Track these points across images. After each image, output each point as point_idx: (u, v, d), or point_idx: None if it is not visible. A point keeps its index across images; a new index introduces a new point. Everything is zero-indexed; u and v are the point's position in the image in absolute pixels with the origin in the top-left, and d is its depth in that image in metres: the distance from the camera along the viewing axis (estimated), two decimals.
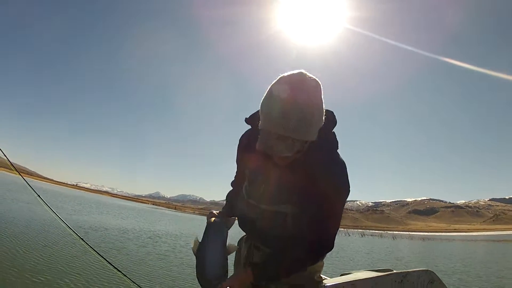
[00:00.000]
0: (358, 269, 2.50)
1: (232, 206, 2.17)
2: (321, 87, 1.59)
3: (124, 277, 3.59)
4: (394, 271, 2.06)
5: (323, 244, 1.71)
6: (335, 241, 1.83)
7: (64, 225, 3.44)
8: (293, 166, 1.72)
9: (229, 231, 2.00)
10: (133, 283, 3.73)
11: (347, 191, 1.71)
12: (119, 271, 3.60)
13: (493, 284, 13.79)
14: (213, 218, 2.02)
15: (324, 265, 2.00)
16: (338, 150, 1.79)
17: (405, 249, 35.44)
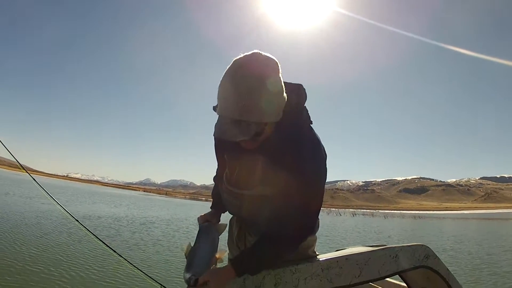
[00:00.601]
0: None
1: (219, 203, 2.14)
2: (278, 65, 1.55)
3: (123, 260, 3.63)
4: (389, 245, 2.01)
5: (303, 225, 1.67)
6: (318, 222, 1.85)
7: (65, 212, 3.53)
8: (263, 148, 1.67)
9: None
10: (130, 265, 3.65)
11: (319, 166, 1.67)
12: (119, 254, 3.66)
13: (483, 260, 13.94)
14: (204, 223, 2.04)
15: (317, 244, 2.00)
16: (311, 126, 1.75)
17: (396, 228, 35.66)
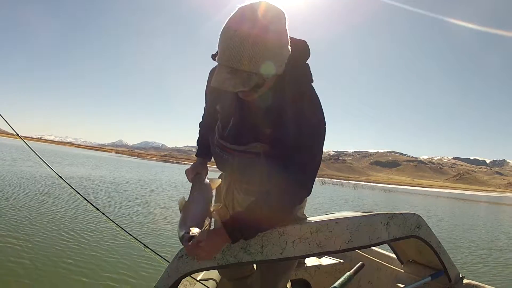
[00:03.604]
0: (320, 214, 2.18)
1: (205, 152, 2.05)
2: (285, 17, 1.45)
3: (106, 219, 3.42)
4: (380, 211, 1.92)
5: (300, 185, 1.58)
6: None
7: (52, 172, 3.40)
8: (262, 102, 1.60)
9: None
10: (113, 223, 3.38)
11: (319, 125, 1.58)
12: (102, 213, 3.43)
13: (443, 238, 12.99)
14: (196, 175, 1.91)
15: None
16: (312, 84, 1.66)
17: (366, 199, 36.05)
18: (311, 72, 1.65)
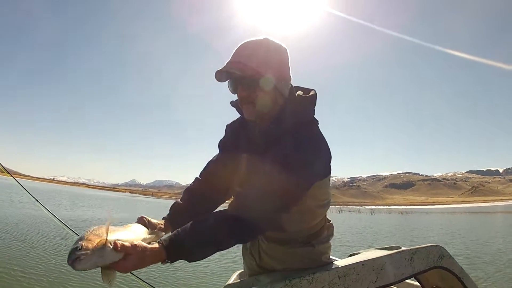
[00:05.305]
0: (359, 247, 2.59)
1: (179, 216, 1.85)
2: (287, 53, 1.69)
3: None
4: (403, 248, 1.96)
5: (262, 217, 1.48)
6: (332, 228, 1.97)
7: (59, 223, 3.41)
8: (263, 134, 1.71)
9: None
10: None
11: (304, 158, 1.52)
12: None
13: (478, 252, 13.84)
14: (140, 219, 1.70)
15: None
16: (315, 125, 1.71)
17: (385, 223, 35.94)
18: (316, 119, 1.71)
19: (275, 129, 1.64)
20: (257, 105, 1.63)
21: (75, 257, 1.16)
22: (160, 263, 1.34)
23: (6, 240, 10.63)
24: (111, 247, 1.21)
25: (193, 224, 1.41)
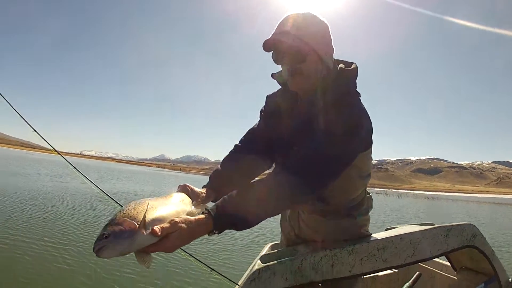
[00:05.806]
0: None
1: (222, 185, 1.78)
2: (328, 27, 1.65)
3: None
4: (437, 225, 1.99)
5: (306, 183, 1.43)
6: (371, 201, 1.96)
7: (103, 194, 3.36)
8: (308, 104, 1.69)
9: None
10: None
11: (348, 123, 1.48)
12: None
13: (492, 245, 13.99)
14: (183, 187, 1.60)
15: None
16: (357, 96, 1.66)
17: (412, 207, 35.92)
18: (357, 90, 1.68)
19: (319, 100, 1.61)
20: (304, 76, 1.61)
21: (100, 246, 1.06)
22: (206, 235, 1.26)
23: (57, 211, 11.10)
24: (145, 232, 1.10)
25: (241, 190, 1.37)
